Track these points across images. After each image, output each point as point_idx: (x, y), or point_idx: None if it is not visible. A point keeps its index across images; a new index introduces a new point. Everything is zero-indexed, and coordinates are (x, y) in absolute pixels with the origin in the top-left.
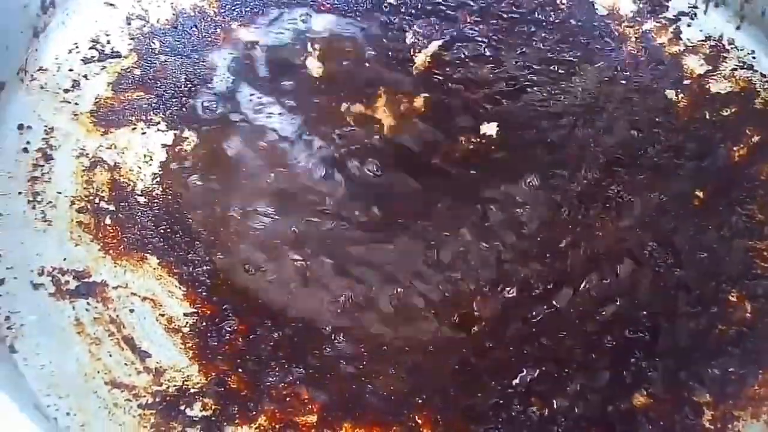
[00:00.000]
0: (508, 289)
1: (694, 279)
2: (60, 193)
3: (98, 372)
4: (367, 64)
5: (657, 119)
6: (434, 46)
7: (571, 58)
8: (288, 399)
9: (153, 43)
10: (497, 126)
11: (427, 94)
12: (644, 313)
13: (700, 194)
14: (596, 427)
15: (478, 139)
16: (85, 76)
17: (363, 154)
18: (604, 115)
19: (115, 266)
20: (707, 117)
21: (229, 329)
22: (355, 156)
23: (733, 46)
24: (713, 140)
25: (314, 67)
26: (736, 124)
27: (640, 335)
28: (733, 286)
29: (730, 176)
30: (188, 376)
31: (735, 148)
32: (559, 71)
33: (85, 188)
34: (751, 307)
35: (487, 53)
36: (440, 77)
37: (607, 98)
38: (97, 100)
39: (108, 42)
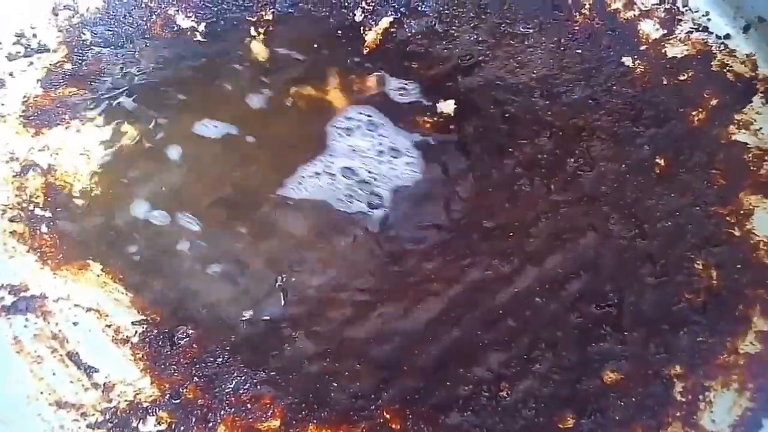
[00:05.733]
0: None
1: (658, 249)
2: None
3: (41, 393)
4: (315, 45)
5: (614, 87)
6: (384, 22)
7: (525, 30)
8: (248, 405)
9: (83, 34)
10: (454, 103)
11: (379, 73)
12: (609, 286)
13: (661, 161)
14: (567, 408)
15: (435, 118)
16: (11, 74)
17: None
18: (560, 86)
19: (55, 277)
20: (664, 82)
21: (181, 335)
22: None
23: (687, 8)
24: (672, 106)
25: (259, 51)
26: (694, 88)
27: (607, 309)
28: (698, 254)
29: (690, 142)
30: (140, 389)
31: (694, 113)
32: (514, 44)
33: (17, 195)
34: (716, 274)
35: (439, 29)
36: (392, 55)
37: (563, 69)
38: (26, 98)
39: (34, 35)
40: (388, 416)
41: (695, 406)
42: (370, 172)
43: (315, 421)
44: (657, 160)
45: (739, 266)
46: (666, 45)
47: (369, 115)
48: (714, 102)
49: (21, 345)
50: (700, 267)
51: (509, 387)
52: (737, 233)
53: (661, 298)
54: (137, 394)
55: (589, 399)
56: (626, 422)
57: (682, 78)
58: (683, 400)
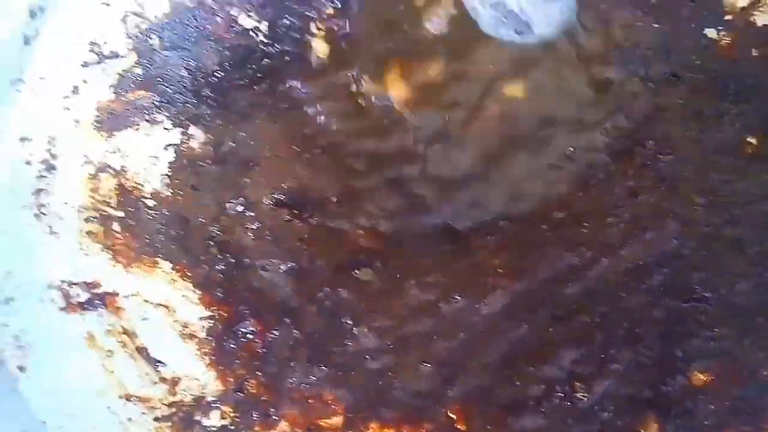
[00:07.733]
0: (540, 263)
1: (749, 235)
2: (66, 203)
3: (111, 386)
4: (377, 35)
5: (696, 62)
6: (448, 2)
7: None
8: (310, 401)
9: (151, 39)
10: (523, 85)
11: (443, 59)
12: (696, 278)
13: (753, 141)
14: (650, 411)
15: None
16: (85, 81)
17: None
18: (637, 61)
19: (127, 274)
20: (754, 54)
21: (245, 331)
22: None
23: None
24: (761, 79)
25: (320, 48)
26: None
27: (694, 304)
28: None
29: None
30: (205, 384)
31: None
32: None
33: (91, 196)
34: None
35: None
36: (459, 37)
37: (639, 43)
38: (99, 104)
39: (105, 43)
40: (453, 416)
41: None
42: None
43: (377, 420)
44: (748, 140)
45: None
46: (755, 13)
47: None
48: None
49: (93, 340)
50: None
51: (585, 387)
52: None
53: (754, 289)
54: (202, 388)
55: (675, 402)
56: (717, 428)
57: None
58: None
